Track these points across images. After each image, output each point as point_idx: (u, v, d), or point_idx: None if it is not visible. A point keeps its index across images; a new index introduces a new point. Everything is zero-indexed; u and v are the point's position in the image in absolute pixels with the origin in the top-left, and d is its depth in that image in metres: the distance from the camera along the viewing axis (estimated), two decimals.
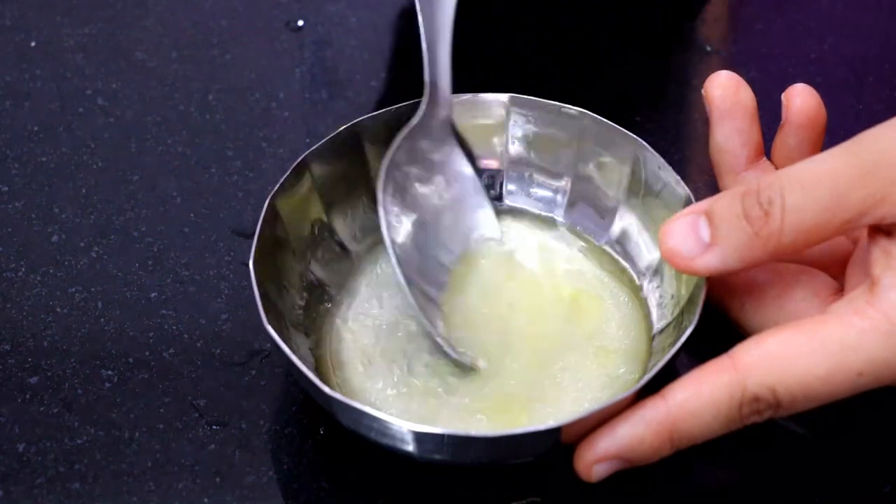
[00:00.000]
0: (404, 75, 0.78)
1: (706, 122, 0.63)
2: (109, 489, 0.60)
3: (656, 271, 0.64)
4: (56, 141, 0.74)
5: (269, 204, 0.62)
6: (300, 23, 0.80)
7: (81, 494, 0.60)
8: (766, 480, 0.60)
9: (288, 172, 0.64)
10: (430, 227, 0.65)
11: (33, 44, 0.79)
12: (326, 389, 0.56)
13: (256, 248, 0.61)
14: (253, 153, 0.73)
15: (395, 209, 0.63)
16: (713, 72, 0.63)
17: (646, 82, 0.77)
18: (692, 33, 0.80)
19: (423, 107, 0.65)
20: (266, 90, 0.77)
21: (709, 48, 0.79)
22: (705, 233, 0.57)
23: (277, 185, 0.63)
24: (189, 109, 0.76)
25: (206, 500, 0.60)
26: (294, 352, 0.58)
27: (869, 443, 0.61)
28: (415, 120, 0.65)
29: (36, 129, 0.75)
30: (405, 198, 0.64)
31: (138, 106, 0.76)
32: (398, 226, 0.63)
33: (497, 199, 0.68)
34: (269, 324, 0.58)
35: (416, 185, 0.65)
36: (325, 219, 0.66)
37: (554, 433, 0.55)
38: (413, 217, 0.64)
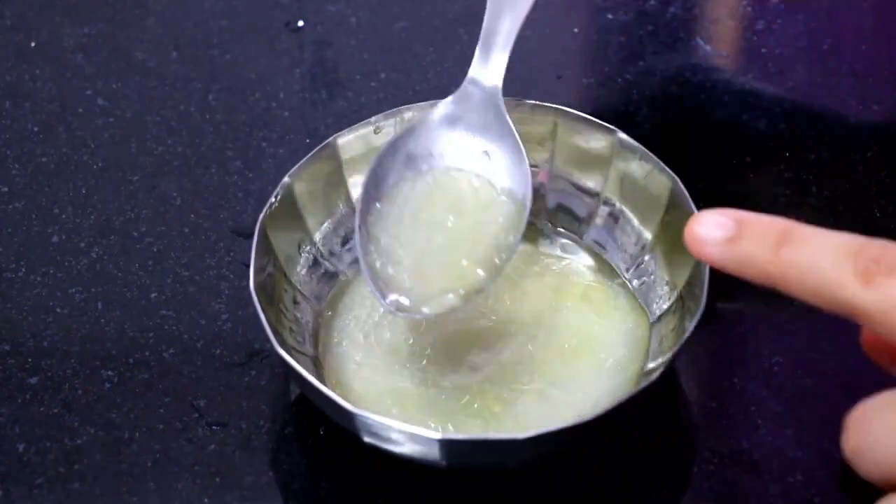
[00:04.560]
0: (404, 76, 0.78)
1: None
2: (109, 489, 0.60)
3: (647, 260, 0.64)
4: (56, 141, 0.74)
5: (269, 209, 0.62)
6: (300, 23, 0.80)
7: (81, 494, 0.60)
8: (765, 480, 0.60)
9: (287, 177, 0.64)
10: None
11: (33, 44, 0.79)
12: (328, 392, 0.56)
13: (257, 252, 0.61)
14: (253, 153, 0.73)
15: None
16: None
17: (645, 82, 0.77)
18: (692, 33, 0.80)
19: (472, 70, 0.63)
20: (266, 90, 0.77)
21: (709, 48, 0.79)
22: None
23: (279, 189, 0.63)
24: (189, 109, 0.76)
25: (206, 500, 0.60)
26: (293, 356, 0.58)
27: None
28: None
29: (36, 129, 0.75)
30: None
31: (138, 106, 0.76)
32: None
33: None
34: (269, 328, 0.58)
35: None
36: (324, 224, 0.66)
37: (552, 436, 0.55)
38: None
